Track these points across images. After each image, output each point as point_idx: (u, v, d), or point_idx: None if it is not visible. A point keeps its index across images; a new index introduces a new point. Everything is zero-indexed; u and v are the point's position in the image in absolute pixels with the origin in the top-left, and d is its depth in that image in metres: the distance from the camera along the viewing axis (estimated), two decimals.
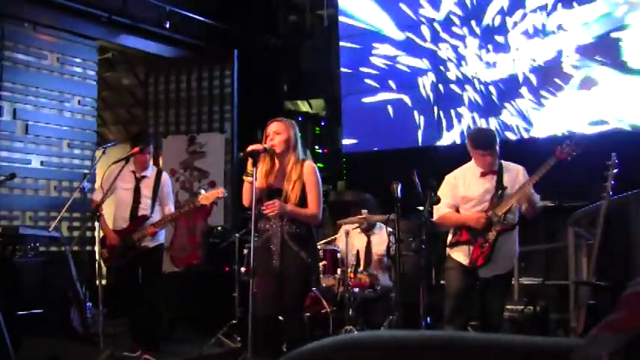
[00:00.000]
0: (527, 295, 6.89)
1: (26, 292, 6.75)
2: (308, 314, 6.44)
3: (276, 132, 4.97)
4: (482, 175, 5.32)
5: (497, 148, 5.31)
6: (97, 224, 6.13)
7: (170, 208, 6.66)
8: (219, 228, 9.04)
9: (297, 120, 7.82)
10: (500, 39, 8.23)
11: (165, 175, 6.78)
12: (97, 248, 6.30)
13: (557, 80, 7.76)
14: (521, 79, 8.05)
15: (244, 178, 4.97)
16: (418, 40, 8.87)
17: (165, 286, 8.71)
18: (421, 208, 5.50)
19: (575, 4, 7.70)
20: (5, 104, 7.95)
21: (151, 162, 6.72)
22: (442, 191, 5.42)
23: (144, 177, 6.59)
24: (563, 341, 1.68)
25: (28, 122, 8.17)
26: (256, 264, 4.83)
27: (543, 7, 7.90)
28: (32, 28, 8.25)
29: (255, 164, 4.78)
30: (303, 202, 4.95)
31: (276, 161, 5.03)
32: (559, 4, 7.80)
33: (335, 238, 7.60)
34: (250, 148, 4.87)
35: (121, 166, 6.31)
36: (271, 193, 4.98)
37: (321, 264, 6.83)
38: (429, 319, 6.05)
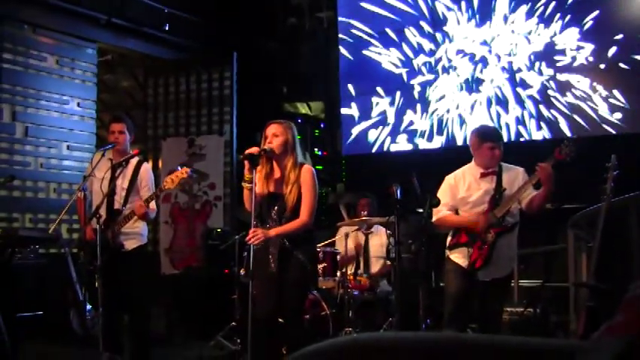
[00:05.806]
0: (527, 298, 6.88)
1: (26, 294, 6.75)
2: (307, 317, 6.43)
3: (275, 134, 4.94)
4: (483, 175, 5.29)
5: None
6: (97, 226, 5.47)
7: (152, 203, 5.84)
8: (219, 230, 9.03)
9: (297, 122, 7.78)
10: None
11: (145, 166, 6.09)
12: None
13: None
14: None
15: (243, 185, 4.95)
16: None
17: (162, 289, 8.73)
18: (420, 210, 5.50)
19: None
20: (5, 106, 7.94)
21: (133, 151, 6.01)
22: (442, 192, 5.39)
23: (121, 166, 5.85)
24: (565, 343, 1.68)
25: (28, 124, 8.16)
26: (255, 267, 4.82)
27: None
28: (32, 31, 8.25)
29: (254, 166, 4.78)
30: (299, 206, 4.91)
31: (275, 164, 5.02)
32: None
33: (334, 240, 7.58)
34: (249, 150, 4.86)
35: (100, 156, 5.89)
36: (271, 198, 4.97)
37: (320, 266, 6.82)
38: (428, 321, 6.06)
